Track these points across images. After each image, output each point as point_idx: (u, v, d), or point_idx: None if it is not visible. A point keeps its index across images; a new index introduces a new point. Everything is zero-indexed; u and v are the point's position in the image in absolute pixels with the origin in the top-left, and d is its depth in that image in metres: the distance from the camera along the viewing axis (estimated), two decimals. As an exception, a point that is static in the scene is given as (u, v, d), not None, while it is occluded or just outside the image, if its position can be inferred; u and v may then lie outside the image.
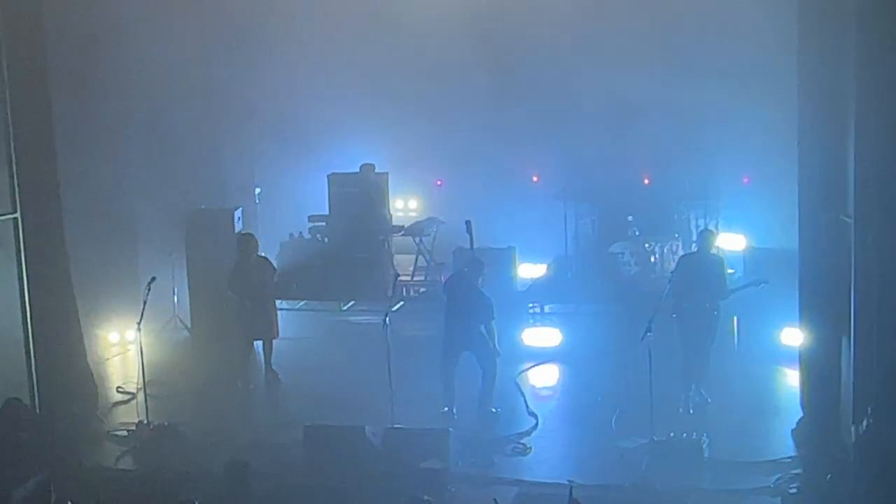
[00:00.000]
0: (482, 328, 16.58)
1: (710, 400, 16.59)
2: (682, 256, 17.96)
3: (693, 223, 21.66)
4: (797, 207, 14.91)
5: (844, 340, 13.88)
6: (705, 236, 17.05)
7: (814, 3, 14.24)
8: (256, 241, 18.61)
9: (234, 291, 18.33)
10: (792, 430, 15.33)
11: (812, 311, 14.79)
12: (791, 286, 15.29)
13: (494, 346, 16.65)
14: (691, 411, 16.36)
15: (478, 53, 21.96)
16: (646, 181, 21.81)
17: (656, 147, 20.89)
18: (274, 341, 18.60)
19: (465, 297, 16.70)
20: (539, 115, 22.00)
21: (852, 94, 13.08)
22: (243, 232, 19.15)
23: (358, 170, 22.16)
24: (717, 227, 20.81)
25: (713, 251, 17.09)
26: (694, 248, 18.07)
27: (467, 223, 17.52)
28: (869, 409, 13.10)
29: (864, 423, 13.16)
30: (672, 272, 17.02)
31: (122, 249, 20.20)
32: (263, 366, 18.60)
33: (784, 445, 15.21)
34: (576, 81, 21.46)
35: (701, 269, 16.57)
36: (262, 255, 18.74)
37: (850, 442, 13.50)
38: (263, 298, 18.45)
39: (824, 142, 14.16)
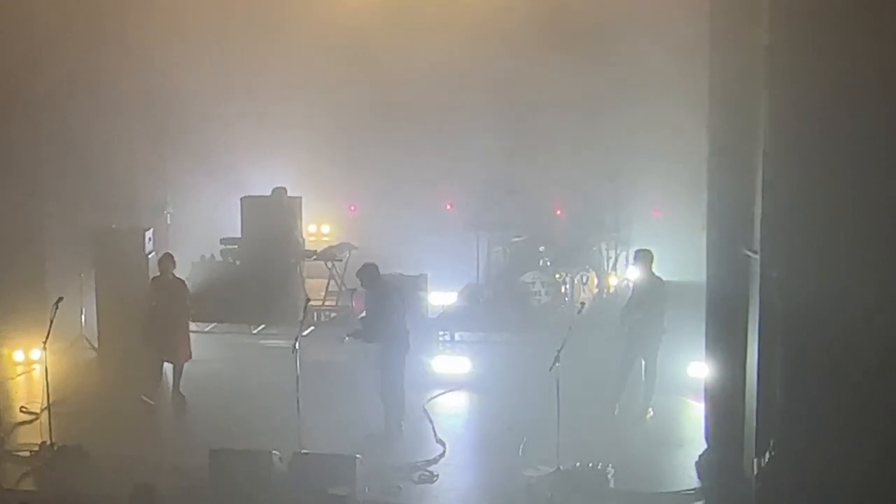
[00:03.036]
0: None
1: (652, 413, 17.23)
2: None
3: (604, 255, 21.93)
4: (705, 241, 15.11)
5: (748, 374, 14.03)
6: (643, 255, 17.36)
7: (725, 37, 14.40)
8: (173, 262, 18.45)
9: (147, 310, 18.22)
10: (696, 462, 15.50)
11: (717, 344, 14.93)
12: (700, 319, 15.45)
13: None
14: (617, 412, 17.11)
15: (392, 81, 22.07)
16: (558, 212, 22.02)
17: (569, 179, 21.09)
18: (185, 364, 18.48)
19: (391, 311, 16.68)
20: (453, 144, 22.16)
21: (761, 131, 13.25)
22: (166, 252, 19.00)
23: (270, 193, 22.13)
24: (626, 260, 21.04)
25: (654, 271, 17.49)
26: (634, 268, 18.19)
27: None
28: (771, 442, 13.25)
29: (766, 456, 13.30)
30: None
31: (30, 268, 19.97)
32: (171, 387, 18.46)
33: (688, 477, 15.34)
34: (489, 112, 21.65)
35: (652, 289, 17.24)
36: (177, 276, 18.62)
37: (752, 474, 13.63)
38: (174, 319, 18.33)
39: (732, 177, 14.31)
